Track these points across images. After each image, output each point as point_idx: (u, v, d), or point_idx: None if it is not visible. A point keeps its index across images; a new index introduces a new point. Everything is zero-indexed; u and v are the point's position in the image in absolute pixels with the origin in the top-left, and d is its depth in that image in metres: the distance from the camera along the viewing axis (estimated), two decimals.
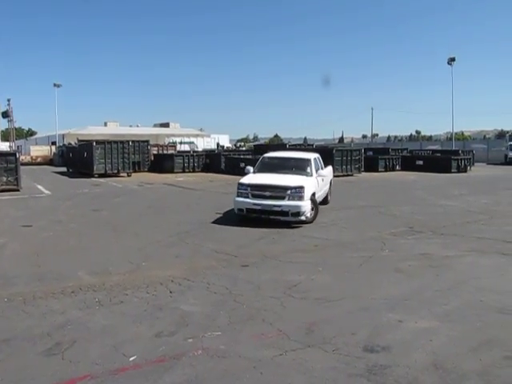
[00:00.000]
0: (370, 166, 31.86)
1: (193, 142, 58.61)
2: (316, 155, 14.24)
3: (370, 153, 37.62)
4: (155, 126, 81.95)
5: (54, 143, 54.33)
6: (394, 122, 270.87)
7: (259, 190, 11.49)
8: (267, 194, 11.38)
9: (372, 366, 4.22)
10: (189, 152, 36.66)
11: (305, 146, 36.25)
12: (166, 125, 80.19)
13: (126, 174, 28.27)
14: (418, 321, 5.32)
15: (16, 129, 56.51)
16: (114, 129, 69.28)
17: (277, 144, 52.89)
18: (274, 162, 13.40)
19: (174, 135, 63.74)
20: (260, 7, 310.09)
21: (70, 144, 42.44)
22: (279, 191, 11.41)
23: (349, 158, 28.85)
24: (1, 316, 5.50)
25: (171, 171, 30.62)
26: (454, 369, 4.18)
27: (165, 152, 38.85)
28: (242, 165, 29.46)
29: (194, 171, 31.54)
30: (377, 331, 5.03)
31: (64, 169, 35.02)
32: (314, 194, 11.88)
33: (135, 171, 29.44)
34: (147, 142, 32.49)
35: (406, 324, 5.23)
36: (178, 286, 6.65)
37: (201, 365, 4.29)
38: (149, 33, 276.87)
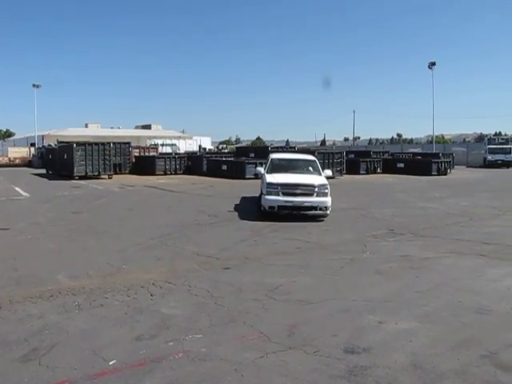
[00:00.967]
0: (352, 168, 32.15)
1: (175, 144, 58.27)
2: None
3: (352, 155, 37.96)
4: (137, 127, 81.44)
5: (33, 144, 53.54)
6: (376, 125, 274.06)
7: (290, 189, 12.54)
8: (298, 191, 12.52)
9: (352, 367, 4.24)
10: (171, 154, 36.51)
11: (287, 149, 36.32)
12: (148, 126, 79.76)
13: (107, 176, 27.99)
14: (398, 322, 5.37)
15: None
16: (95, 130, 68.66)
17: (259, 146, 53.00)
18: (283, 163, 14.52)
19: (155, 137, 63.29)
20: (242, 8, 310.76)
21: (49, 145, 41.82)
22: (308, 189, 12.58)
23: (330, 161, 29.07)
24: None
25: (153, 173, 30.44)
26: (433, 369, 4.23)
27: (146, 154, 38.66)
28: (224, 167, 29.50)
29: (175, 173, 31.40)
30: (357, 333, 5.06)
31: (43, 171, 34.52)
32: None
33: (116, 173, 29.16)
34: (129, 143, 32.22)
35: (386, 325, 5.28)
36: (158, 288, 6.60)
37: (181, 368, 4.26)
38: (130, 33, 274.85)
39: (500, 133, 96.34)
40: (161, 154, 39.03)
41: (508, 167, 43.45)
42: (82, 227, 11.67)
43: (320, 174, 13.87)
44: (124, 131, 70.52)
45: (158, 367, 4.27)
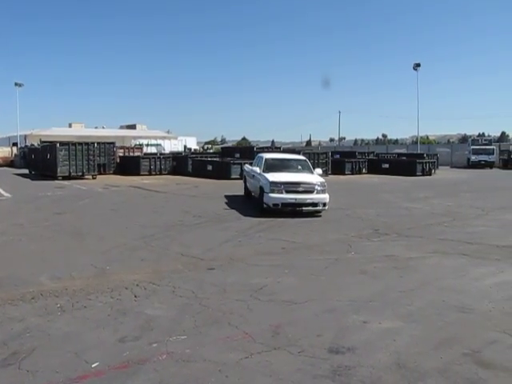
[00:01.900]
0: (337, 168, 32.31)
1: (160, 144, 57.94)
2: None
3: (337, 156, 38.14)
4: (121, 127, 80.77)
5: (15, 144, 52.68)
6: (362, 125, 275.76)
7: (292, 187, 13.38)
8: (300, 189, 13.39)
9: (337, 367, 4.25)
10: (155, 154, 36.24)
11: (272, 149, 36.36)
12: (133, 126, 79.19)
13: (91, 177, 27.69)
14: (382, 321, 5.40)
15: None
16: (79, 130, 67.99)
17: (244, 147, 52.96)
18: (278, 163, 15.33)
19: (140, 137, 62.84)
20: (223, 8, 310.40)
21: (32, 145, 41.23)
22: (309, 187, 13.51)
23: (316, 161, 29.14)
24: None
25: (137, 174, 30.21)
26: (416, 367, 4.26)
27: (131, 154, 38.27)
28: (210, 167, 29.41)
29: (160, 174, 31.20)
30: (342, 333, 5.07)
31: (26, 171, 33.98)
32: None
33: (100, 173, 28.85)
34: (113, 143, 31.88)
35: (370, 325, 5.30)
36: (143, 290, 6.54)
37: (165, 369, 4.22)
38: (114, 33, 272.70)
39: (483, 134, 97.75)
40: (146, 154, 38.69)
41: (491, 168, 44.07)
42: (65, 228, 11.52)
43: (312, 173, 14.79)
44: (108, 131, 69.88)
45: (142, 369, 4.23)
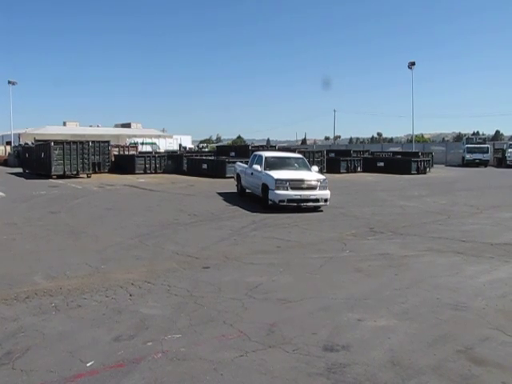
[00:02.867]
0: (332, 167, 32.34)
1: (155, 143, 57.74)
2: None
3: (332, 154, 38.16)
4: (116, 126, 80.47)
5: (8, 143, 52.40)
6: (357, 124, 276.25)
7: (297, 184, 13.99)
8: (304, 186, 14.04)
9: (332, 365, 4.27)
10: (150, 153, 36.13)
11: (267, 148, 36.36)
12: (128, 125, 78.91)
13: (85, 176, 27.57)
14: (376, 319, 5.42)
15: None
16: (74, 129, 67.69)
17: (240, 145, 52.94)
18: (277, 161, 15.94)
19: (135, 136, 62.67)
20: (220, 7, 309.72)
21: (26, 144, 40.98)
22: (312, 183, 14.15)
23: (311, 160, 29.16)
24: None
25: (132, 172, 30.10)
26: (410, 364, 4.29)
27: (126, 153, 38.14)
28: (205, 166, 29.38)
29: (155, 172, 31.09)
30: (337, 330, 5.09)
31: (20, 170, 33.78)
32: None
33: (95, 172, 28.75)
34: (108, 142, 31.76)
35: (365, 323, 5.33)
36: (138, 288, 6.53)
37: (160, 368, 4.22)
38: (110, 32, 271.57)
39: (478, 132, 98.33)
40: (140, 152, 38.58)
41: (485, 166, 44.23)
42: (59, 227, 11.48)
43: (310, 171, 15.49)
44: (103, 130, 69.63)
45: (137, 368, 4.23)
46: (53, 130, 59.46)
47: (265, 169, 15.14)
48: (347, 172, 33.04)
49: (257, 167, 15.48)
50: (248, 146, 38.78)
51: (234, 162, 26.72)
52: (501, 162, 44.94)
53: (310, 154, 31.21)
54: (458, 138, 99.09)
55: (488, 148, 46.21)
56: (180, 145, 63.33)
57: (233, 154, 33.93)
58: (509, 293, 6.42)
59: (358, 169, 34.05)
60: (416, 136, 68.06)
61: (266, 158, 15.93)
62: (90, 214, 13.74)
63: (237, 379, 4.05)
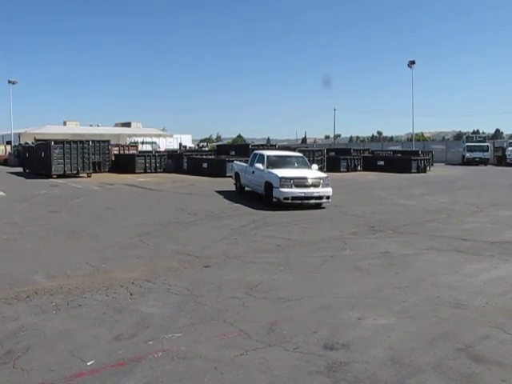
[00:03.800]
0: (332, 166, 32.34)
1: (155, 142, 57.79)
2: None
3: (333, 153, 38.17)
4: (116, 125, 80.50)
5: (9, 142, 52.42)
6: (357, 122, 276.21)
7: (301, 182, 14.32)
8: (308, 183, 14.38)
9: (332, 363, 4.27)
10: (151, 152, 36.13)
11: (267, 147, 36.33)
12: (128, 124, 78.94)
13: (85, 175, 27.59)
14: (377, 318, 5.42)
15: None
16: (74, 128, 67.73)
17: (240, 144, 52.90)
18: (279, 160, 16.26)
19: (135, 135, 62.71)
20: (221, 6, 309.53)
21: (26, 143, 41.02)
22: (316, 181, 14.51)
23: (311, 159, 29.18)
24: None
25: (133, 172, 30.11)
26: (411, 363, 4.29)
27: (126, 152, 38.13)
28: (205, 165, 29.38)
29: (155, 172, 31.11)
30: (337, 329, 5.10)
31: (20, 169, 33.83)
32: None
33: (95, 172, 28.78)
34: (108, 141, 31.80)
35: (365, 321, 5.33)
36: (138, 287, 6.54)
37: (161, 367, 4.23)
38: (110, 32, 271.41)
39: (478, 131, 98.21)
40: (141, 152, 38.58)
41: (485, 165, 44.25)
42: (60, 227, 11.49)
43: (310, 169, 15.83)
44: (103, 129, 69.66)
45: (138, 367, 4.23)
46: (53, 130, 59.48)
47: (267, 167, 15.38)
48: (347, 171, 33.04)
49: (259, 166, 15.67)
50: (248, 145, 38.72)
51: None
52: (501, 161, 44.92)
53: (310, 152, 31.22)
54: (458, 136, 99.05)
55: (488, 146, 46.23)
56: (180, 144, 63.39)
57: (233, 153, 33.91)
58: (509, 291, 6.42)
59: (358, 167, 34.05)
60: (416, 135, 68.06)
61: (267, 156, 16.18)
62: (91, 214, 13.74)
63: (237, 378, 4.05)
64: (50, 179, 25.74)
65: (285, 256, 8.42)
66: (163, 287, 6.56)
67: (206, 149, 57.39)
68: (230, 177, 23.57)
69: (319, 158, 30.45)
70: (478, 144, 46.31)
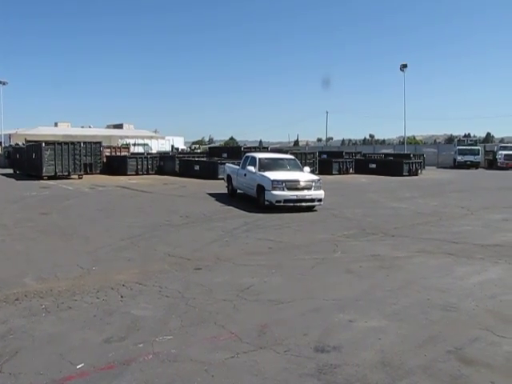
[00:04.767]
0: (324, 169, 32.40)
1: (147, 144, 57.66)
2: None
3: (325, 156, 38.29)
4: (108, 127, 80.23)
5: None
6: (349, 125, 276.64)
7: (293, 184, 14.26)
8: (300, 186, 14.30)
9: (322, 366, 4.27)
10: (143, 154, 36.02)
11: (260, 149, 36.40)
12: (120, 126, 78.71)
13: (77, 177, 27.40)
14: (367, 320, 5.44)
15: None
16: (65, 129, 67.37)
17: (232, 147, 52.94)
18: (271, 162, 16.15)
19: (127, 137, 62.49)
20: (211, 9, 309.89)
21: (17, 144, 40.72)
22: (308, 184, 14.42)
23: (303, 161, 29.20)
24: None
25: (124, 173, 29.99)
26: (401, 365, 4.31)
27: (118, 154, 37.96)
28: (197, 167, 29.33)
29: (147, 173, 31.01)
30: (328, 331, 5.10)
31: (10, 171, 33.52)
32: None
33: (87, 173, 28.58)
34: (99, 143, 31.58)
35: (356, 324, 5.34)
36: (129, 290, 6.51)
37: (151, 370, 4.21)
38: (102, 33, 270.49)
39: (469, 134, 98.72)
40: (132, 153, 38.43)
41: (476, 168, 44.56)
42: (50, 229, 11.41)
43: (302, 171, 15.71)
44: (95, 130, 69.39)
45: (128, 369, 4.21)
46: (44, 131, 59.12)
47: (259, 170, 15.30)
48: (339, 173, 33.12)
49: (251, 168, 15.57)
50: (240, 147, 38.77)
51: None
52: (491, 164, 45.28)
53: (303, 155, 31.28)
54: (450, 139, 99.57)
55: (479, 150, 46.56)
56: (172, 146, 63.23)
57: (225, 155, 33.90)
58: (498, 294, 6.47)
59: (350, 170, 34.15)
60: (408, 138, 68.31)
61: (259, 159, 16.07)
62: (82, 216, 13.66)
63: (228, 380, 4.04)
64: (41, 181, 25.54)
65: (276, 258, 8.42)
66: (154, 289, 6.53)
67: (199, 151, 57.33)
68: (222, 179, 23.55)
69: (311, 161, 30.51)
70: (470, 147, 46.64)
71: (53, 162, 26.62)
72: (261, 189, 14.65)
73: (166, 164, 32.27)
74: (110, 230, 11.11)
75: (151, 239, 10.07)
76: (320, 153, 37.67)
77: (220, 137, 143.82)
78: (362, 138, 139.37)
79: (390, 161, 37.26)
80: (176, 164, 31.38)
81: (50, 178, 26.28)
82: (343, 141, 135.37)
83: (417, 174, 33.43)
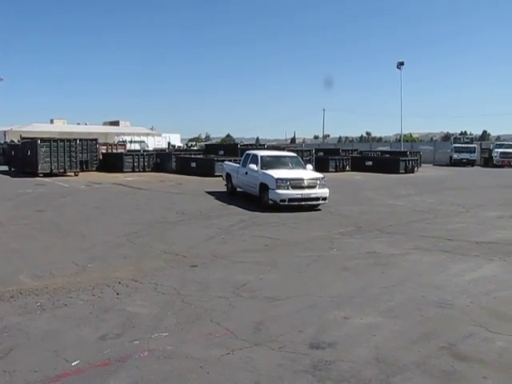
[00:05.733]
0: (321, 166, 32.30)
1: (143, 141, 57.50)
2: None
3: (321, 153, 38.25)
4: (104, 124, 79.79)
5: None
6: (346, 123, 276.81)
7: (297, 183, 13.90)
8: (304, 184, 13.96)
9: (317, 362, 4.29)
10: (139, 151, 35.96)
11: (256, 146, 36.35)
12: (116, 123, 78.28)
13: (73, 174, 27.32)
14: (362, 317, 5.46)
15: None
16: (61, 126, 66.95)
17: (228, 144, 52.90)
18: (273, 160, 15.80)
19: (123, 134, 62.27)
20: (209, 6, 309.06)
21: (12, 141, 40.49)
22: (312, 182, 14.14)
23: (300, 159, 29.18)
24: None
25: (121, 171, 29.91)
26: (395, 361, 4.33)
27: (114, 151, 37.87)
28: (194, 164, 29.30)
29: (144, 171, 30.95)
30: (323, 328, 5.12)
31: (5, 168, 33.38)
32: None
33: (83, 170, 28.54)
34: (96, 140, 31.58)
35: (351, 320, 5.37)
36: (125, 287, 6.51)
37: (147, 366, 4.22)
38: (99, 30, 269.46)
39: (465, 132, 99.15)
40: (129, 150, 38.36)
41: (472, 166, 44.64)
42: (46, 226, 11.39)
43: (305, 169, 15.44)
44: (91, 127, 68.95)
45: (123, 366, 4.22)
46: (39, 128, 58.72)
47: (261, 168, 14.95)
48: (336, 171, 33.12)
49: (253, 167, 15.12)
50: (237, 144, 38.69)
51: (223, 161, 26.63)
52: (487, 162, 45.40)
53: (299, 152, 31.14)
54: (446, 137, 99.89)
55: (475, 148, 46.66)
56: (169, 143, 63.10)
57: (222, 152, 33.88)
58: (492, 290, 6.51)
59: (347, 168, 34.16)
60: (404, 135, 68.53)
61: (261, 157, 15.68)
62: (77, 213, 13.64)
63: (223, 377, 4.06)
64: (37, 178, 25.46)
65: (272, 256, 8.43)
66: (150, 287, 6.54)
67: (195, 148, 57.20)
68: (219, 176, 23.52)
69: (308, 158, 30.46)
70: (466, 145, 46.72)
71: (48, 159, 26.54)
72: (264, 187, 14.29)
73: (162, 161, 32.21)
74: (105, 228, 11.09)
75: (147, 236, 10.06)
76: (317, 150, 37.63)
77: (217, 134, 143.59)
78: (359, 135, 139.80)
79: (387, 158, 37.30)
80: (172, 161, 31.32)
81: (45, 175, 26.20)
82: (340, 138, 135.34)
83: (413, 172, 33.49)
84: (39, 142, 26.72)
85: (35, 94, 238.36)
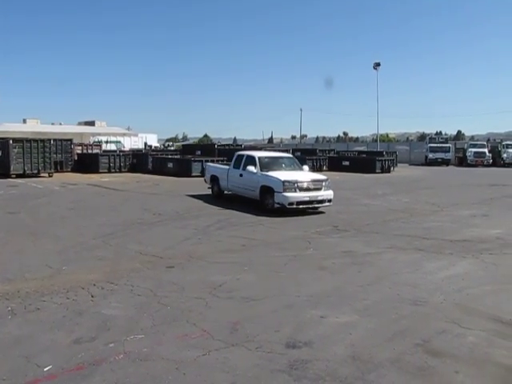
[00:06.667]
0: None
1: (119, 142, 56.77)
2: None
3: (298, 153, 38.35)
4: (80, 124, 78.54)
5: None
6: (323, 123, 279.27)
7: (304, 185, 13.45)
8: (311, 187, 13.53)
9: (294, 362, 4.31)
10: (115, 151, 35.48)
11: (234, 147, 36.32)
12: (92, 123, 77.12)
13: (47, 175, 26.79)
14: (339, 316, 5.50)
15: None
16: (34, 126, 65.56)
17: (205, 144, 52.73)
18: (272, 161, 15.20)
19: (99, 134, 61.30)
20: (184, 6, 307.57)
21: None
22: (318, 184, 13.75)
23: None
24: None
25: (96, 171, 29.46)
26: (370, 359, 4.38)
27: (89, 151, 37.31)
28: (170, 165, 29.08)
29: (120, 171, 30.56)
30: (299, 328, 5.14)
31: None
32: None
33: (57, 171, 28.03)
34: (70, 140, 31.06)
35: (327, 319, 5.40)
36: (100, 289, 6.41)
37: (122, 369, 4.16)
38: (75, 29, 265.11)
39: (441, 132, 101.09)
40: (105, 151, 37.83)
41: (447, 165, 45.52)
42: (18, 228, 11.14)
43: (302, 170, 15.15)
44: (66, 127, 67.74)
45: (98, 370, 4.15)
46: (11, 128, 57.34)
47: (261, 170, 14.31)
48: (313, 171, 33.07)
49: (251, 168, 14.42)
50: (214, 144, 38.62)
51: (200, 161, 26.46)
52: (462, 161, 46.37)
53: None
54: (422, 137, 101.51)
55: (450, 147, 47.59)
56: (145, 143, 62.42)
57: (199, 152, 33.75)
58: (465, 287, 6.64)
59: (324, 168, 34.38)
60: (381, 135, 69.22)
61: (259, 158, 14.97)
62: (51, 214, 13.38)
63: (199, 378, 4.03)
64: (9, 179, 24.85)
65: (249, 256, 8.43)
66: (126, 288, 6.46)
67: (172, 148, 56.75)
68: (196, 177, 23.48)
69: None
70: (441, 145, 47.59)
71: (21, 160, 25.95)
72: (266, 190, 13.67)
73: (138, 161, 31.87)
74: (81, 229, 10.91)
75: (123, 238, 9.94)
76: (294, 150, 37.85)
77: (194, 134, 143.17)
78: (336, 135, 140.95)
79: (363, 158, 37.70)
80: (149, 161, 31.03)
81: (18, 176, 25.62)
82: (317, 138, 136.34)
83: (389, 171, 33.92)
84: (11, 142, 26.09)
85: (6, 95, 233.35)
